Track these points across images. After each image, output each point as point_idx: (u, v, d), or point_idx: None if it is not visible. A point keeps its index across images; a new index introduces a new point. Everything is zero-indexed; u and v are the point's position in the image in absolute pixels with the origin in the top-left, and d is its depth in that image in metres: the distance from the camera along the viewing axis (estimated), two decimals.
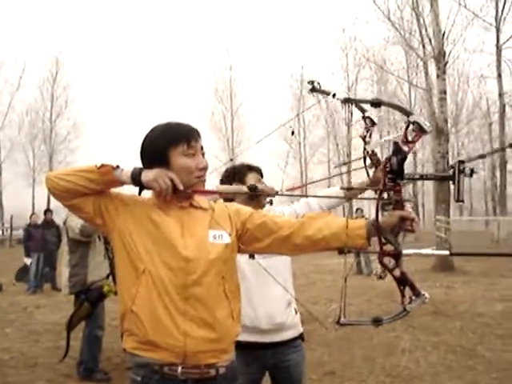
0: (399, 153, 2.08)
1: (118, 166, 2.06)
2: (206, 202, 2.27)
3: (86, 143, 46.51)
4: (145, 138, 2.21)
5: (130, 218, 2.13)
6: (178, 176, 2.08)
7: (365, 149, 2.59)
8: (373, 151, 2.58)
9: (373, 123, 2.59)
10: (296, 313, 3.01)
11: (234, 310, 2.16)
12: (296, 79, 51.50)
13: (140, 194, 2.13)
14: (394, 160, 2.08)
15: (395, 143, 2.13)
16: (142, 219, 2.13)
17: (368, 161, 2.72)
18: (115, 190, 2.19)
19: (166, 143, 2.12)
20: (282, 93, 51.43)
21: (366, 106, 2.67)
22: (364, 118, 2.58)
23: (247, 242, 2.26)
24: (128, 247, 2.10)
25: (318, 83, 2.70)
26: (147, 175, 2.05)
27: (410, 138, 2.17)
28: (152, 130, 2.21)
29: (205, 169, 2.18)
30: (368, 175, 2.71)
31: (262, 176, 3.12)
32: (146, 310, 2.03)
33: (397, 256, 2.12)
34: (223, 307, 2.10)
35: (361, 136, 2.64)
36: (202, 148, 2.20)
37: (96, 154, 54.03)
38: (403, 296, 2.19)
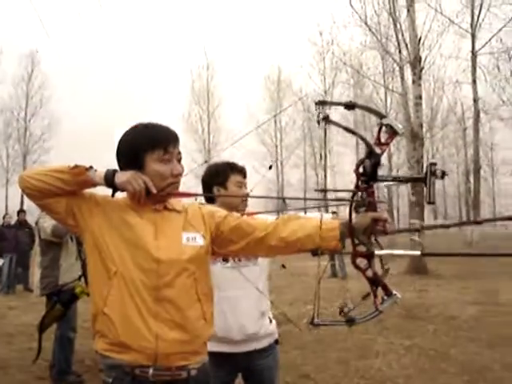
0: (372, 156, 2.12)
1: (91, 167, 2.05)
2: (179, 205, 2.26)
3: (60, 143, 46.00)
4: (121, 139, 2.19)
5: (103, 219, 2.12)
6: (151, 180, 2.08)
7: (357, 186, 2.24)
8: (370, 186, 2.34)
9: (394, 132, 2.34)
10: (271, 321, 2.98)
11: (207, 312, 2.15)
12: (273, 81, 51.62)
13: (113, 195, 2.12)
14: (368, 163, 2.12)
15: (368, 146, 2.17)
16: (116, 220, 2.12)
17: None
18: (89, 191, 2.17)
19: (142, 147, 2.11)
20: (259, 95, 51.28)
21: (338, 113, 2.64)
22: (381, 124, 2.35)
23: (221, 244, 2.26)
24: (100, 248, 2.09)
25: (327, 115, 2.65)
26: (121, 177, 2.04)
27: (382, 140, 2.18)
28: (129, 132, 2.20)
29: (179, 175, 2.18)
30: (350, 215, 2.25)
31: (245, 176, 3.08)
32: (117, 311, 2.02)
33: (369, 256, 2.16)
34: (195, 309, 2.10)
35: (355, 172, 2.34)
36: (179, 153, 2.20)
37: (71, 154, 53.48)
38: (375, 296, 2.21)
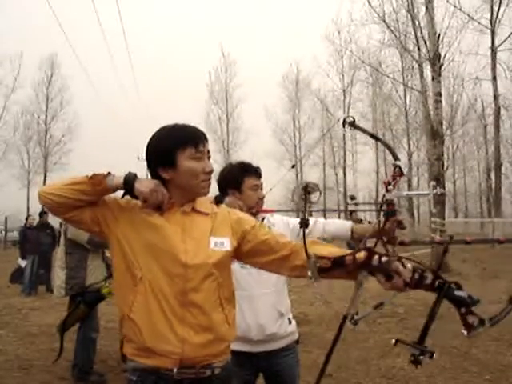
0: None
1: (109, 173, 2.06)
2: (208, 207, 2.25)
3: (80, 146, 46.54)
4: (151, 139, 2.21)
5: (128, 225, 2.13)
6: (184, 178, 2.11)
7: (384, 196, 2.65)
8: (391, 201, 2.67)
9: (401, 173, 2.68)
10: (290, 322, 2.98)
11: (229, 316, 2.16)
12: (291, 80, 51.57)
13: (123, 196, 2.14)
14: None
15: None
16: (141, 224, 2.12)
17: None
18: (112, 195, 2.18)
19: (173, 145, 2.12)
20: (277, 94, 51.33)
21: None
22: (394, 166, 2.71)
23: (247, 254, 2.25)
24: (125, 254, 2.10)
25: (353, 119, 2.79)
26: (144, 184, 2.07)
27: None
28: (159, 132, 2.21)
29: (211, 172, 2.18)
30: (379, 223, 2.77)
31: (260, 176, 3.07)
32: (143, 317, 2.04)
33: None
34: (218, 312, 2.11)
35: (385, 182, 2.72)
36: (208, 152, 2.20)
37: (90, 157, 54.06)
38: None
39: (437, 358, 5.81)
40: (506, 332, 7.34)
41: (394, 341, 1.97)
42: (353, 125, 2.76)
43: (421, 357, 2.04)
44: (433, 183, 2.48)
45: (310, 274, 1.99)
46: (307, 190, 2.10)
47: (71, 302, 5.74)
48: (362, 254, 1.99)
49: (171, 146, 2.12)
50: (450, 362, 6.07)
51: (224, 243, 2.17)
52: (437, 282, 2.06)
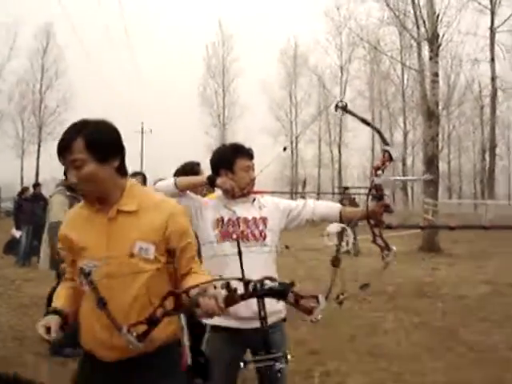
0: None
1: None
2: (134, 204, 2.23)
3: (75, 116, 46.14)
4: None
5: (73, 233, 2.27)
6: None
7: (373, 181, 2.82)
8: (380, 186, 2.83)
9: (390, 158, 2.81)
10: (278, 301, 3.04)
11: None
12: (289, 56, 51.27)
13: None
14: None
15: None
16: (80, 230, 2.24)
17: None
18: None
19: None
20: (274, 70, 51.10)
21: None
22: (383, 151, 2.85)
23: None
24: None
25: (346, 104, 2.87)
26: None
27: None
28: None
29: (74, 184, 2.22)
30: (367, 206, 2.87)
31: (252, 157, 3.09)
32: (84, 321, 2.21)
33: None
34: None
35: (374, 167, 2.84)
36: (74, 161, 2.14)
37: None
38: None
39: (423, 336, 5.93)
40: (493, 313, 7.47)
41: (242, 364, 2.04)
42: (345, 109, 2.81)
43: None
44: (423, 169, 2.59)
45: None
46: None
47: (58, 276, 5.74)
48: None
49: None
50: (436, 342, 6.17)
51: (148, 250, 2.17)
52: (250, 287, 2.11)
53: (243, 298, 2.04)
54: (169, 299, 1.98)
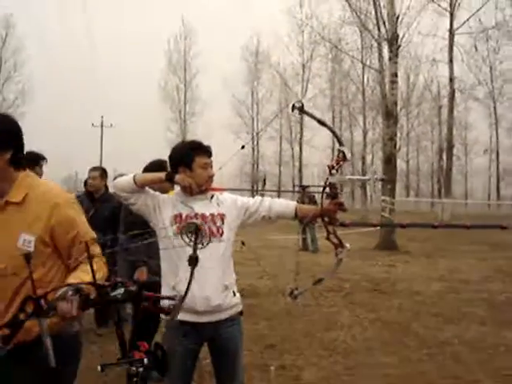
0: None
1: None
2: (21, 195, 2.24)
3: (33, 109, 45.52)
4: None
5: None
6: None
7: (327, 179, 2.93)
8: (334, 184, 2.94)
9: (344, 158, 2.93)
10: (234, 295, 3.09)
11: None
12: (251, 52, 51.33)
13: None
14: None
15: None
16: None
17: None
18: None
19: None
20: (236, 66, 51.11)
21: None
22: (338, 151, 2.96)
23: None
24: None
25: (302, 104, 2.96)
26: None
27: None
28: None
29: None
30: (321, 204, 3.00)
31: (210, 155, 3.12)
32: None
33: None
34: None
35: (329, 166, 2.95)
36: None
37: (44, 121, 52.84)
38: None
39: (378, 332, 6.07)
40: (446, 309, 7.67)
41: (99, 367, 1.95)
42: (301, 110, 2.89)
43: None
44: (373, 168, 2.69)
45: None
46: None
47: None
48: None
49: None
50: (390, 336, 6.31)
51: (31, 242, 2.19)
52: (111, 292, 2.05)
53: (96, 303, 2.02)
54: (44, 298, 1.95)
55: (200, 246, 2.03)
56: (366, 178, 2.90)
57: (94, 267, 1.99)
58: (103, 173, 6.47)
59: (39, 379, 2.20)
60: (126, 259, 4.90)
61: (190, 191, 3.02)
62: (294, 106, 2.92)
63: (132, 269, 4.78)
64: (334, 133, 3.28)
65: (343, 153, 2.92)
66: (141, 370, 1.97)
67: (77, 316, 1.99)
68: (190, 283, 2.01)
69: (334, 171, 2.88)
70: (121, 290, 1.97)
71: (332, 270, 3.17)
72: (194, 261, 2.02)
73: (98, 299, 1.97)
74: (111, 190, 6.57)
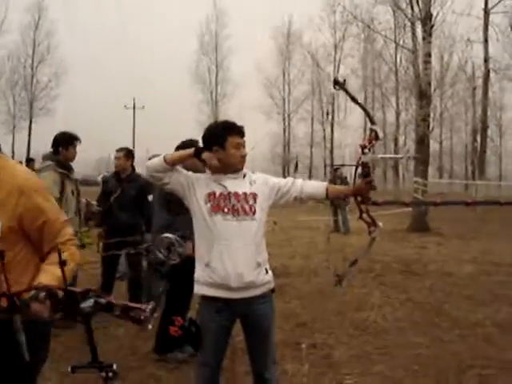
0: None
1: None
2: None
3: (67, 91, 46.17)
4: None
5: None
6: None
7: (360, 158, 2.98)
8: (366, 163, 2.98)
9: (377, 137, 2.95)
10: (267, 272, 3.14)
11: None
12: (282, 33, 51.04)
13: None
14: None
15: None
16: None
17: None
18: None
19: None
20: (267, 47, 50.93)
21: None
22: (371, 130, 2.99)
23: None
24: None
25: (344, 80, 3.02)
26: None
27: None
28: None
29: None
30: (354, 183, 3.10)
31: (243, 135, 3.17)
32: None
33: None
34: None
35: (361, 145, 2.98)
36: None
37: (77, 103, 53.42)
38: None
39: (409, 312, 6.08)
40: (478, 291, 7.63)
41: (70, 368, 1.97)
42: (342, 86, 2.93)
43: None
44: (406, 147, 2.71)
45: None
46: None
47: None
48: None
49: None
50: (421, 317, 6.32)
51: None
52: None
53: (64, 310, 2.02)
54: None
55: (172, 261, 2.06)
56: (399, 156, 2.95)
57: (66, 255, 2.03)
58: (128, 153, 6.55)
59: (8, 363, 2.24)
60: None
61: (212, 170, 3.10)
62: (336, 80, 2.96)
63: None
64: (366, 111, 3.30)
65: (375, 132, 2.94)
66: (111, 374, 1.96)
67: (49, 316, 2.00)
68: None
69: (366, 150, 2.90)
70: (90, 302, 1.98)
71: (365, 249, 3.20)
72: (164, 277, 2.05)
73: (67, 305, 1.97)
74: (139, 170, 6.67)
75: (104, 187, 6.69)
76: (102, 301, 2.00)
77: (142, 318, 2.03)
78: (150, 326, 2.11)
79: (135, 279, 6.47)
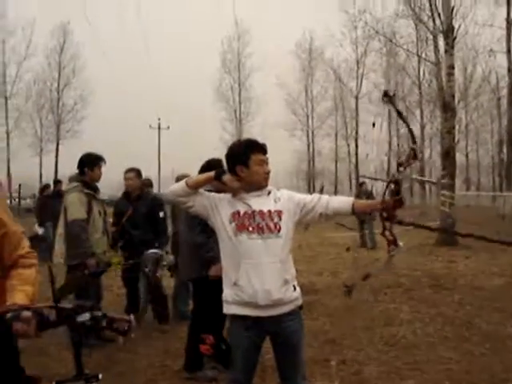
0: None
1: None
2: None
3: (92, 113, 46.78)
4: None
5: None
6: None
7: (393, 175, 3.03)
8: (398, 181, 3.01)
9: (415, 157, 2.98)
10: (295, 289, 3.15)
11: None
12: (304, 49, 51.21)
13: None
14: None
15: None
16: None
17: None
18: None
19: None
20: (289, 63, 50.99)
21: None
22: (411, 149, 3.01)
23: None
24: None
25: (394, 94, 3.07)
26: None
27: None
28: None
29: None
30: (383, 199, 3.11)
31: (265, 152, 3.21)
32: None
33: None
34: None
35: (398, 162, 3.00)
36: None
37: (103, 125, 54.13)
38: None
39: (439, 327, 6.00)
40: (509, 304, 7.51)
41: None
42: (390, 99, 2.96)
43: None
44: (442, 173, 2.72)
45: None
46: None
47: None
48: None
49: None
50: (452, 332, 6.24)
51: None
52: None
53: (55, 324, 2.05)
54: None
55: (158, 274, 2.12)
56: (432, 180, 2.95)
57: (34, 271, 2.13)
58: (138, 173, 6.66)
59: None
60: (192, 255, 4.88)
61: (234, 194, 3.13)
62: (386, 93, 2.98)
63: (201, 263, 4.71)
64: (409, 129, 3.34)
65: (414, 151, 2.96)
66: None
67: (35, 336, 2.03)
68: None
69: (401, 168, 2.91)
70: (86, 316, 2.04)
71: (383, 266, 3.22)
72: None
73: (61, 320, 2.03)
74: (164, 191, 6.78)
75: (115, 209, 6.81)
76: (98, 313, 2.05)
77: (126, 328, 2.09)
78: (132, 335, 2.19)
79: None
